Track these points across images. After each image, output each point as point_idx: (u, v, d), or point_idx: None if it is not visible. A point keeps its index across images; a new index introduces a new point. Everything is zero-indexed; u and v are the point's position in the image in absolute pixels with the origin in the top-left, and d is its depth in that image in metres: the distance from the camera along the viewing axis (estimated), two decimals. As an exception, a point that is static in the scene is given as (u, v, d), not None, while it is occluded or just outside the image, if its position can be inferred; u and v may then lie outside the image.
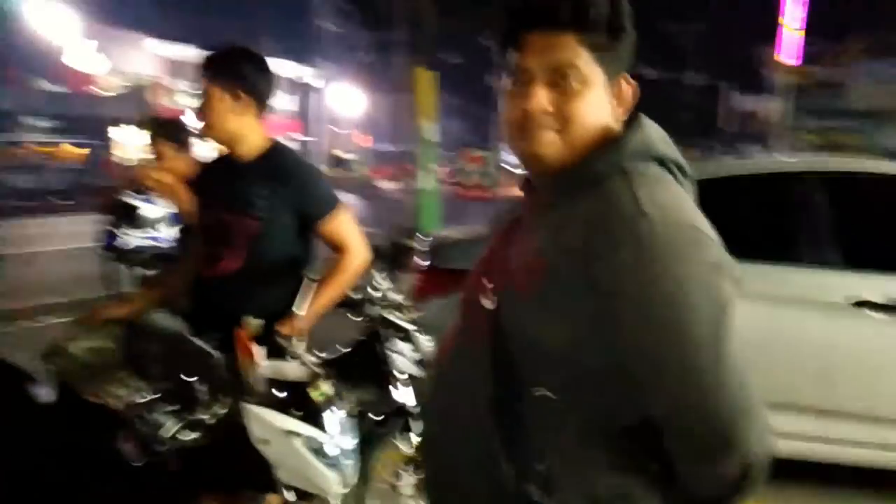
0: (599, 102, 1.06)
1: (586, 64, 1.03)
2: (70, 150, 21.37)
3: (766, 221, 3.36)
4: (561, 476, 1.00)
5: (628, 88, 1.09)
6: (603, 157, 1.04)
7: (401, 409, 2.40)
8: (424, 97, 10.53)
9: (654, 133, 1.08)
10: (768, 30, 27.55)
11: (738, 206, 3.29)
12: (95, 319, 2.05)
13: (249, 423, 1.46)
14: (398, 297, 2.62)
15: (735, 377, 0.92)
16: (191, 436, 1.59)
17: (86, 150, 21.20)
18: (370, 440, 2.46)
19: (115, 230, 3.07)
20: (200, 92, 2.12)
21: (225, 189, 2.18)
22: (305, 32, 33.38)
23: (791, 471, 2.81)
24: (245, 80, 2.12)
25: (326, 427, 1.54)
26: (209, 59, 2.14)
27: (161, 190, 3.05)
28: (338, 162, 33.50)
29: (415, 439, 2.38)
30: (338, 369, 2.41)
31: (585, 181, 1.03)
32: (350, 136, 37.44)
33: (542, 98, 1.04)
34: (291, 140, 46.70)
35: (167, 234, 3.08)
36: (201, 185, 2.34)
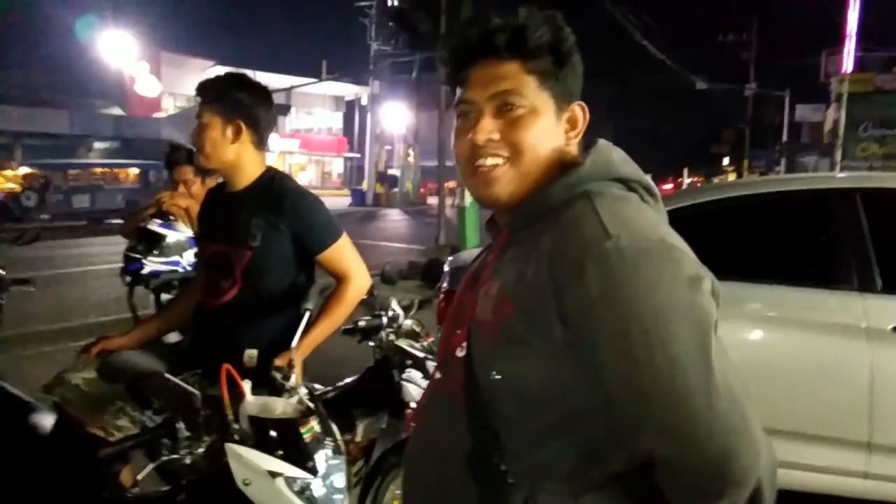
0: (549, 129, 1.03)
1: (532, 91, 1.01)
2: (128, 171, 22.16)
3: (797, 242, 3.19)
4: None
5: (581, 114, 1.07)
6: (559, 183, 1.00)
7: (412, 440, 2.35)
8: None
9: (613, 154, 1.04)
10: (829, 39, 26.81)
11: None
12: (91, 353, 2.04)
13: (232, 463, 1.41)
14: (411, 324, 2.57)
15: (724, 396, 0.84)
16: (169, 475, 1.55)
17: (139, 171, 21.94)
18: (381, 470, 2.42)
19: (143, 258, 3.10)
20: (196, 121, 2.08)
21: (221, 219, 2.14)
22: (356, 53, 34.04)
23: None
24: (242, 109, 2.07)
25: (316, 466, 1.47)
26: (204, 86, 2.09)
27: (178, 215, 3.08)
28: (382, 178, 33.75)
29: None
30: (346, 399, 2.41)
31: (544, 210, 1.00)
32: (395, 151, 37.81)
33: (487, 126, 1.01)
34: (339, 156, 47.82)
35: (188, 260, 3.10)
36: (202, 214, 2.32)
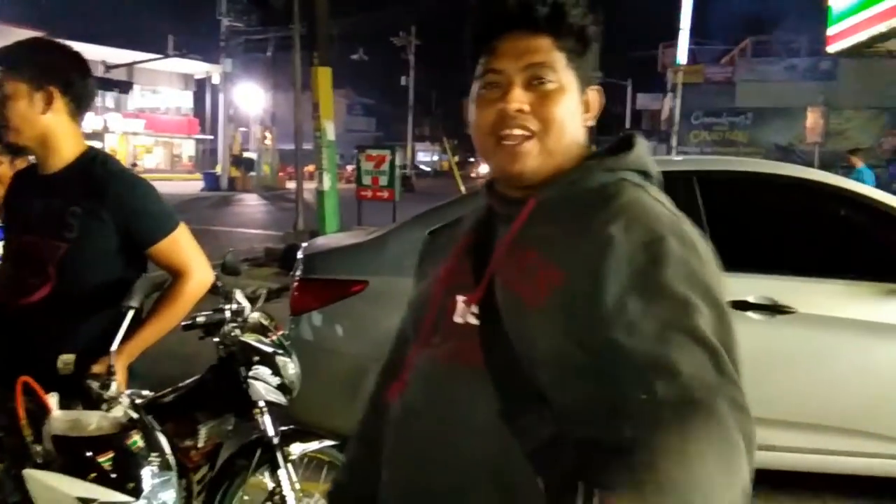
0: (574, 108, 1.05)
1: (562, 67, 1.03)
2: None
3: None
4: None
5: (597, 98, 1.09)
6: (601, 165, 1.04)
7: (261, 440, 2.21)
8: (323, 96, 10.23)
9: (646, 149, 1.09)
10: (666, 32, 28.73)
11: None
12: None
13: (32, 492, 1.21)
14: (259, 317, 2.40)
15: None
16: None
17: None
18: (227, 474, 2.26)
19: None
20: None
21: (32, 206, 1.88)
22: (206, 29, 32.21)
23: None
24: (53, 73, 1.82)
25: (140, 486, 1.30)
26: (7, 51, 1.83)
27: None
28: (238, 161, 32.37)
29: (280, 473, 2.19)
30: (187, 401, 2.22)
31: (587, 192, 1.02)
32: (251, 133, 36.38)
33: (519, 96, 1.01)
34: (190, 138, 45.39)
35: (-5, 252, 2.72)
36: (8, 200, 2.02)
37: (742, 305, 2.99)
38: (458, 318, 1.04)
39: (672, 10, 24.90)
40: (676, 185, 3.25)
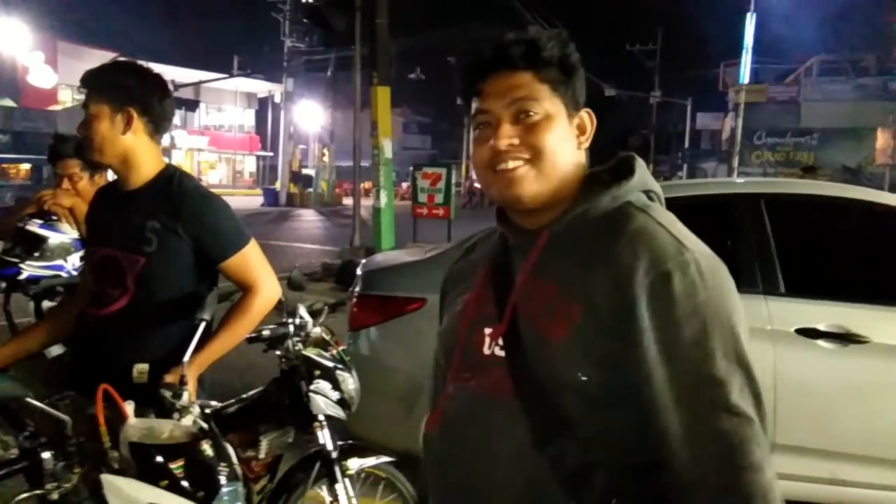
0: (563, 133, 1.09)
1: (546, 97, 1.08)
2: (18, 166, 20.77)
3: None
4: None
5: (589, 120, 1.14)
6: (608, 193, 1.08)
7: (320, 454, 2.23)
8: (382, 114, 10.38)
9: (646, 171, 1.13)
10: (728, 51, 28.23)
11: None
12: None
13: (108, 497, 1.26)
14: (320, 332, 2.44)
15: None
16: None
17: (31, 167, 20.61)
18: (287, 487, 2.29)
19: (21, 262, 2.81)
20: (84, 112, 1.90)
21: (113, 221, 1.96)
22: (269, 49, 33.17)
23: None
24: (132, 96, 1.91)
25: (212, 492, 1.34)
26: (89, 75, 1.92)
27: (62, 214, 2.82)
28: (297, 177, 33.05)
29: (338, 487, 2.21)
30: (249, 413, 2.26)
31: (593, 217, 1.07)
32: (310, 151, 37.14)
33: (507, 132, 1.07)
34: (251, 155, 46.62)
35: (73, 264, 2.84)
36: (90, 215, 2.12)
37: (812, 333, 2.89)
38: (486, 351, 1.09)
39: (734, 29, 24.47)
40: (741, 207, 3.18)
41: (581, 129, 1.13)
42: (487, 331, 1.10)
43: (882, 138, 18.79)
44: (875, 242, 3.29)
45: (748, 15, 23.60)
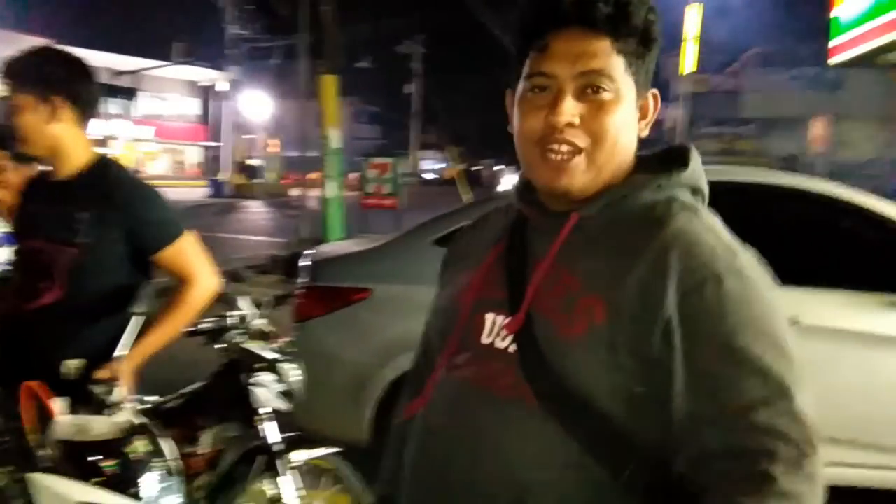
0: (629, 118, 0.96)
1: (620, 73, 0.93)
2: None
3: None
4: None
5: (654, 103, 1.01)
6: (650, 183, 0.96)
7: (262, 447, 2.22)
8: (329, 104, 10.27)
9: (700, 165, 1.01)
10: (669, 41, 28.75)
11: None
12: None
13: (36, 496, 1.23)
14: (262, 324, 2.42)
15: None
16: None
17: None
18: (229, 481, 2.27)
19: None
20: (8, 103, 1.84)
21: (43, 212, 1.90)
22: (212, 37, 32.39)
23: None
24: (57, 84, 1.85)
25: (144, 491, 1.32)
26: (12, 63, 1.85)
27: (-9, 206, 2.73)
28: (243, 168, 32.48)
29: (282, 480, 2.20)
30: (189, 407, 2.23)
31: (634, 212, 0.95)
32: (257, 141, 36.50)
33: (569, 108, 0.92)
34: (196, 145, 45.58)
35: (2, 258, 2.74)
36: (19, 207, 2.05)
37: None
38: (485, 339, 0.98)
39: (674, 20, 24.93)
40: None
41: (643, 112, 0.99)
42: (490, 317, 0.98)
43: (816, 127, 19.46)
44: (805, 227, 3.43)
45: (691, 5, 24.07)
